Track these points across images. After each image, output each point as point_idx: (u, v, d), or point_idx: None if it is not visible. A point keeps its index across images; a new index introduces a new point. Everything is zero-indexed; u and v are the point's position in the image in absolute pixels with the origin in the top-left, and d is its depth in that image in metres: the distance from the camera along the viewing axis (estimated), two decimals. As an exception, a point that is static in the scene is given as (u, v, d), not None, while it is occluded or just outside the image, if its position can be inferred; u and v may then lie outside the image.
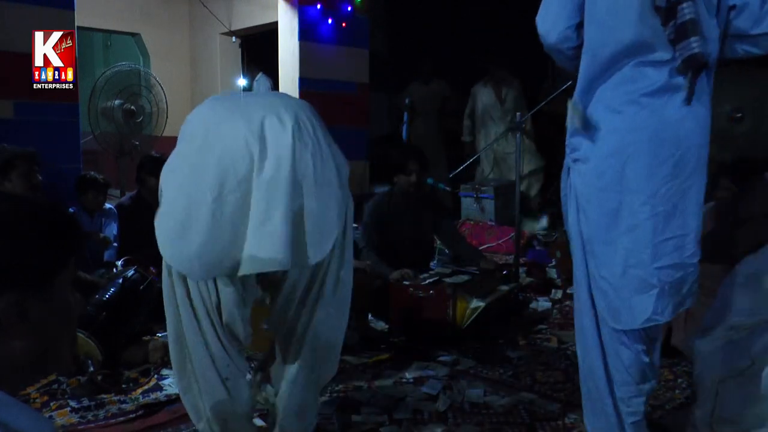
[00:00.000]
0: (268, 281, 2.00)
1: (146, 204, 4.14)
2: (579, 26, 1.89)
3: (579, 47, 1.91)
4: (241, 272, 1.81)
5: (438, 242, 4.33)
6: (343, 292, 2.01)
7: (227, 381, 1.95)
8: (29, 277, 0.86)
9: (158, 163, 4.11)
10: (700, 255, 1.90)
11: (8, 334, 0.86)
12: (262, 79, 7.62)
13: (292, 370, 2.02)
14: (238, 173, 1.76)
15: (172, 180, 1.88)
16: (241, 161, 1.76)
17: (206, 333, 1.91)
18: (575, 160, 1.94)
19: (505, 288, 3.56)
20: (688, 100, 1.80)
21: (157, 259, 2.03)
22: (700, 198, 1.86)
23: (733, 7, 1.81)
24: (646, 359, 1.89)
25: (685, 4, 1.71)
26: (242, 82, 8.40)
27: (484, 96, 6.85)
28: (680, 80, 1.79)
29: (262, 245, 1.76)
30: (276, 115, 1.82)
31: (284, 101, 1.93)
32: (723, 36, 1.85)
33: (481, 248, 5.56)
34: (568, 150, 1.98)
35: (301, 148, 1.80)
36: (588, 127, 1.88)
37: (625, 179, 1.82)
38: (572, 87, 2.03)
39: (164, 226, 1.85)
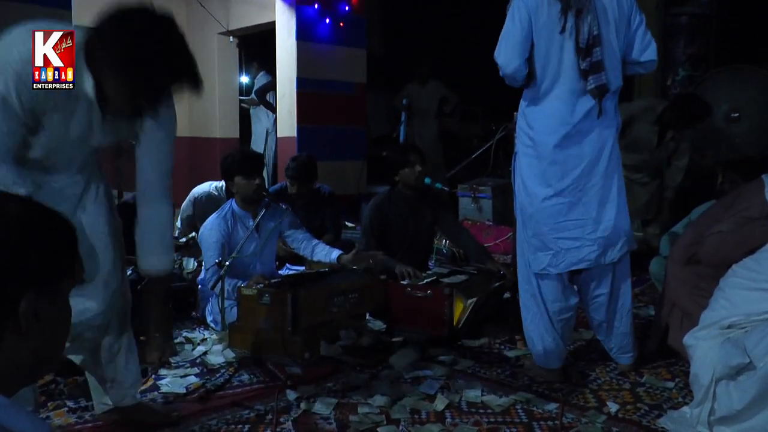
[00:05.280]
0: None
1: None
2: (527, 60, 2.56)
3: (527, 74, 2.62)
4: None
5: (436, 242, 4.34)
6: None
7: None
8: (45, 278, 0.89)
9: None
10: (607, 231, 2.59)
11: (24, 335, 0.87)
12: (262, 77, 7.64)
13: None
14: None
15: None
16: None
17: None
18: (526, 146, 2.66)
19: (497, 284, 3.54)
20: (598, 115, 2.53)
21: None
22: (602, 194, 2.59)
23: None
24: (564, 285, 2.67)
25: (597, 48, 2.46)
26: (244, 79, 8.42)
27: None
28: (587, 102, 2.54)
29: None
30: None
31: None
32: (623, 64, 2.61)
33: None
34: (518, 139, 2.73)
35: None
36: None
37: (545, 175, 2.60)
38: None
39: None
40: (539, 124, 2.61)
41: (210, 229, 3.41)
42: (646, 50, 2.60)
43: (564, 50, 2.52)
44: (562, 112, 2.56)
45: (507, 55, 2.53)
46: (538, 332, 2.71)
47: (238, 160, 3.49)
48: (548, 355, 2.71)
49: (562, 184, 2.58)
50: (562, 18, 2.48)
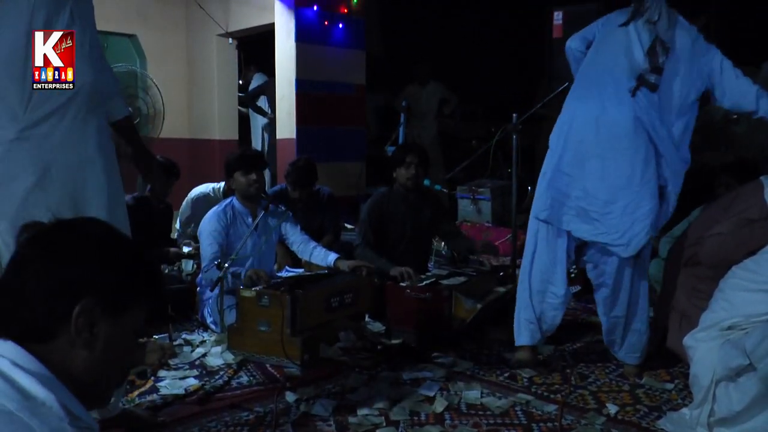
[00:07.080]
0: None
1: (150, 206, 4.12)
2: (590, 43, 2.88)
3: (583, 53, 2.89)
4: None
5: (435, 243, 4.33)
6: None
7: None
8: (109, 294, 0.94)
9: (163, 166, 4.10)
10: (612, 214, 2.63)
11: (75, 340, 0.92)
12: (258, 78, 7.63)
13: None
14: None
15: None
16: None
17: None
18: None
19: (501, 289, 3.57)
20: (633, 94, 2.63)
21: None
22: (619, 179, 2.64)
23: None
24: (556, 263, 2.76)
25: (663, 58, 2.63)
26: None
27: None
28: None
29: None
30: None
31: None
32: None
33: (477, 249, 5.58)
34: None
35: None
36: None
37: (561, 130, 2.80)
38: (567, 89, 2.96)
39: None
40: (574, 92, 2.82)
41: (209, 221, 3.47)
42: (751, 99, 2.63)
43: (612, 44, 2.73)
44: (598, 90, 2.71)
45: (573, 36, 2.98)
46: (518, 305, 2.84)
47: (237, 156, 3.62)
48: (519, 329, 2.82)
49: (574, 139, 2.71)
50: (628, 19, 2.70)
